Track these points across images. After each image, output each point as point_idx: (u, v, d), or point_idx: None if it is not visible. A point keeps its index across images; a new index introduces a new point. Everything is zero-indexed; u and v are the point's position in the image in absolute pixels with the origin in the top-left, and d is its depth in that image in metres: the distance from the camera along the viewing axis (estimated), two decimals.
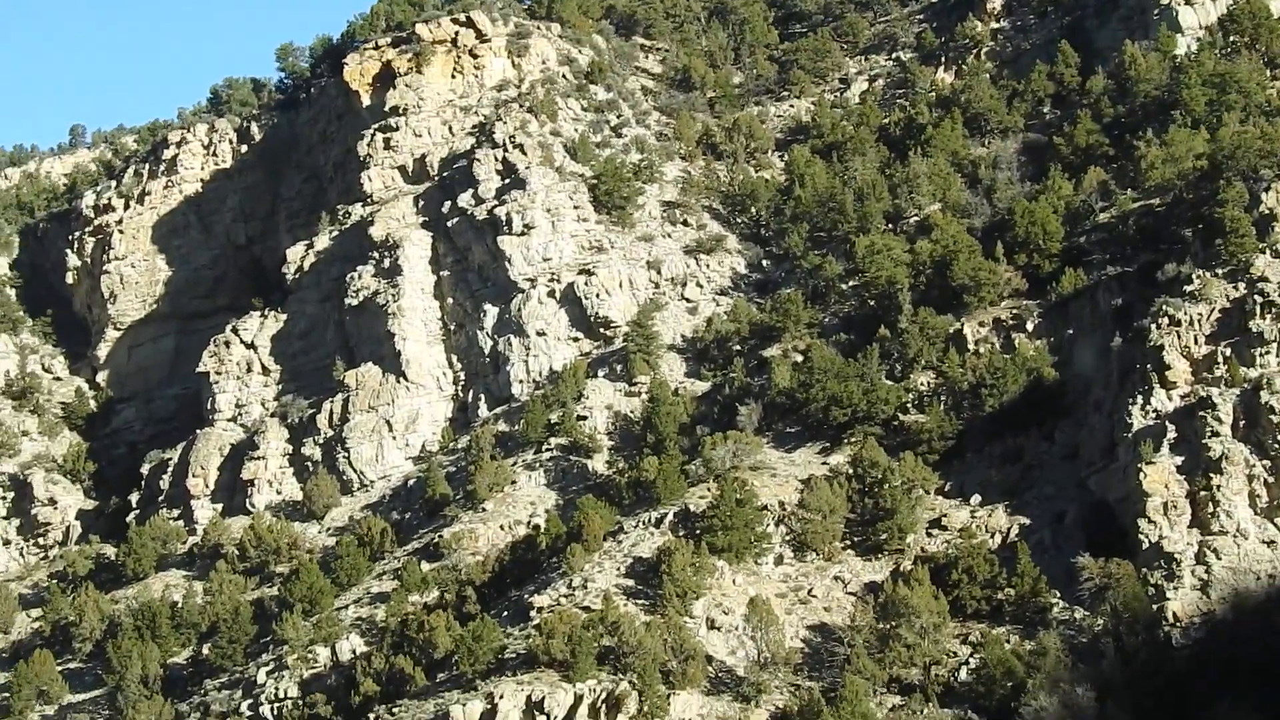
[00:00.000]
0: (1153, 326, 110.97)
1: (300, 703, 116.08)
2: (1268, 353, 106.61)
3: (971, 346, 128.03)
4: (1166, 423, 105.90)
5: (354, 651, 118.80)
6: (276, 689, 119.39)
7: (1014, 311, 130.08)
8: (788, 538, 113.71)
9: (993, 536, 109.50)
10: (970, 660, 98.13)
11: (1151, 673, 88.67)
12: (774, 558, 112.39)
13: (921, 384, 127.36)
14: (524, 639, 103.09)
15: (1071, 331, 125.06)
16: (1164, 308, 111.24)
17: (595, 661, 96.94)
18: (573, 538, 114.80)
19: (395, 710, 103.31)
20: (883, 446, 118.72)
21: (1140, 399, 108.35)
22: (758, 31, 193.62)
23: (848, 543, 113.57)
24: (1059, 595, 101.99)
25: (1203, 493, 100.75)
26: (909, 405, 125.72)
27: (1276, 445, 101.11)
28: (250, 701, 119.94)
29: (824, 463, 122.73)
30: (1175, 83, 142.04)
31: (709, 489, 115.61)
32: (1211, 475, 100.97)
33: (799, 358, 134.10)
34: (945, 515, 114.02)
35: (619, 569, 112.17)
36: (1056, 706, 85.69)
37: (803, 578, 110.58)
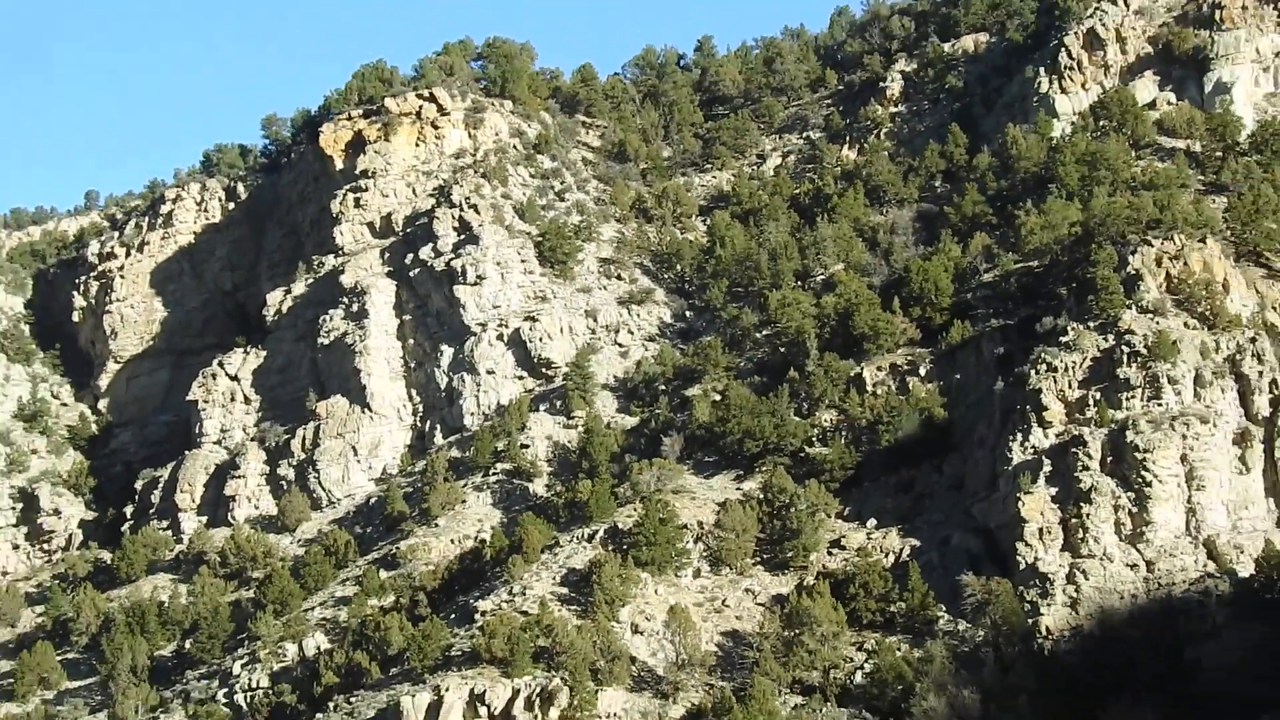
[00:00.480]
0: (1032, 372, 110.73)
1: (269, 692, 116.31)
2: (1133, 397, 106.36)
3: (870, 388, 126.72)
4: (1043, 458, 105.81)
5: (318, 648, 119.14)
6: (249, 680, 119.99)
7: (908, 358, 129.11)
8: (705, 554, 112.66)
9: (887, 556, 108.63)
10: (865, 665, 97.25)
11: (1027, 679, 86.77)
12: (692, 571, 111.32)
13: (825, 421, 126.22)
14: (469, 639, 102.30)
15: (959, 376, 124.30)
16: (1042, 355, 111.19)
17: (531, 660, 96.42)
18: (514, 550, 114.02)
19: (352, 700, 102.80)
20: (790, 475, 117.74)
21: (1020, 436, 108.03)
22: (685, 112, 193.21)
23: (757, 559, 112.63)
24: (945, 609, 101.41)
25: (1074, 520, 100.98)
26: (814, 439, 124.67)
27: (1139, 479, 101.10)
28: (226, 690, 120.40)
29: (738, 488, 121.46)
30: (1051, 160, 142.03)
31: (635, 509, 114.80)
32: (1082, 505, 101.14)
33: (717, 396, 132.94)
34: (844, 537, 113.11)
35: (554, 578, 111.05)
36: (944, 708, 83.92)
37: (717, 589, 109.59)
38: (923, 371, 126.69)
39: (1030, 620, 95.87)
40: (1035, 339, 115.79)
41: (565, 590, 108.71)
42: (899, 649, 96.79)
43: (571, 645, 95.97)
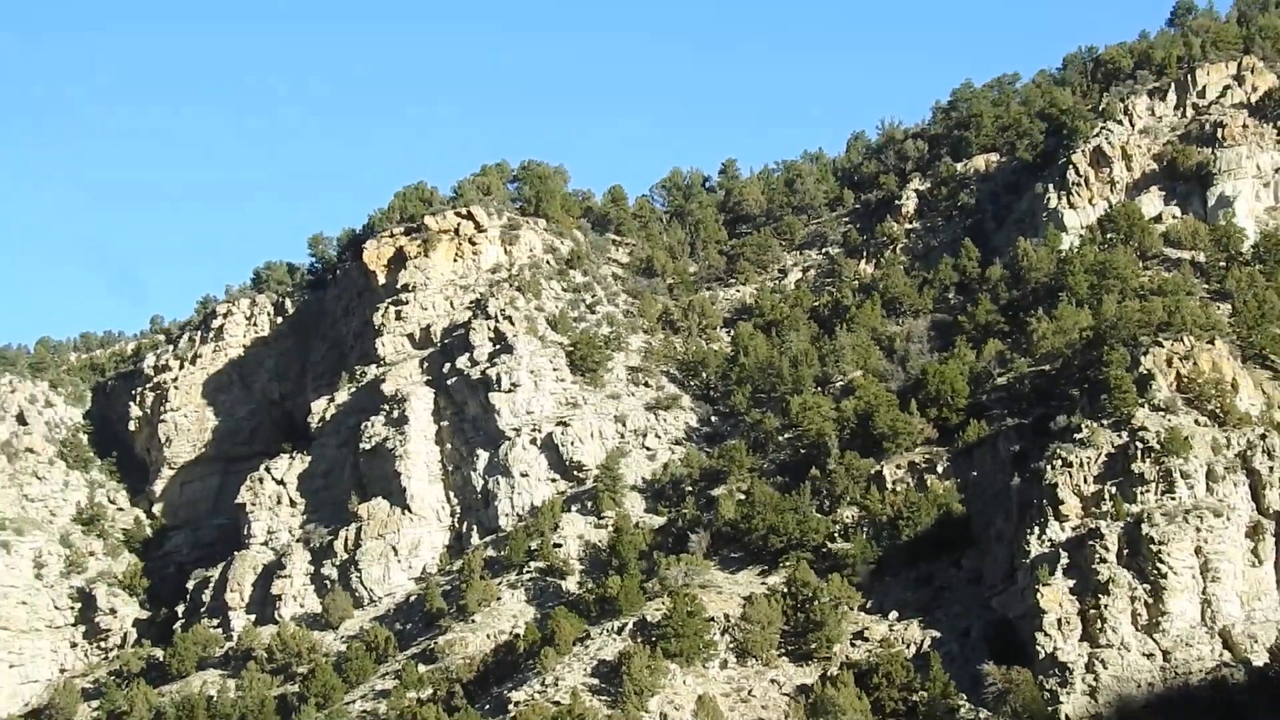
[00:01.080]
0: (1048, 468, 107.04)
1: None
2: (1147, 491, 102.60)
3: (890, 485, 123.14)
4: (1060, 550, 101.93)
5: None
6: None
7: (926, 457, 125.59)
8: (731, 645, 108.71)
9: (908, 647, 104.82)
10: None
11: None
12: (719, 662, 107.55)
13: (847, 517, 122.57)
14: None
15: (975, 473, 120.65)
16: (1058, 451, 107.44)
17: None
18: (546, 642, 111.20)
19: None
20: (813, 569, 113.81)
21: (1037, 530, 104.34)
22: (710, 230, 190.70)
23: (782, 651, 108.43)
24: (965, 698, 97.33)
25: (1091, 611, 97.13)
26: (836, 535, 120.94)
27: (1155, 571, 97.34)
28: None
29: (763, 583, 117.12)
30: (1061, 270, 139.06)
31: (663, 603, 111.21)
32: (1099, 596, 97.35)
33: (742, 495, 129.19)
34: (867, 628, 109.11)
35: (585, 670, 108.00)
36: None
37: (743, 680, 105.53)
38: (940, 469, 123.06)
39: (1050, 709, 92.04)
40: (1050, 437, 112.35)
41: (596, 681, 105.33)
42: None
43: None
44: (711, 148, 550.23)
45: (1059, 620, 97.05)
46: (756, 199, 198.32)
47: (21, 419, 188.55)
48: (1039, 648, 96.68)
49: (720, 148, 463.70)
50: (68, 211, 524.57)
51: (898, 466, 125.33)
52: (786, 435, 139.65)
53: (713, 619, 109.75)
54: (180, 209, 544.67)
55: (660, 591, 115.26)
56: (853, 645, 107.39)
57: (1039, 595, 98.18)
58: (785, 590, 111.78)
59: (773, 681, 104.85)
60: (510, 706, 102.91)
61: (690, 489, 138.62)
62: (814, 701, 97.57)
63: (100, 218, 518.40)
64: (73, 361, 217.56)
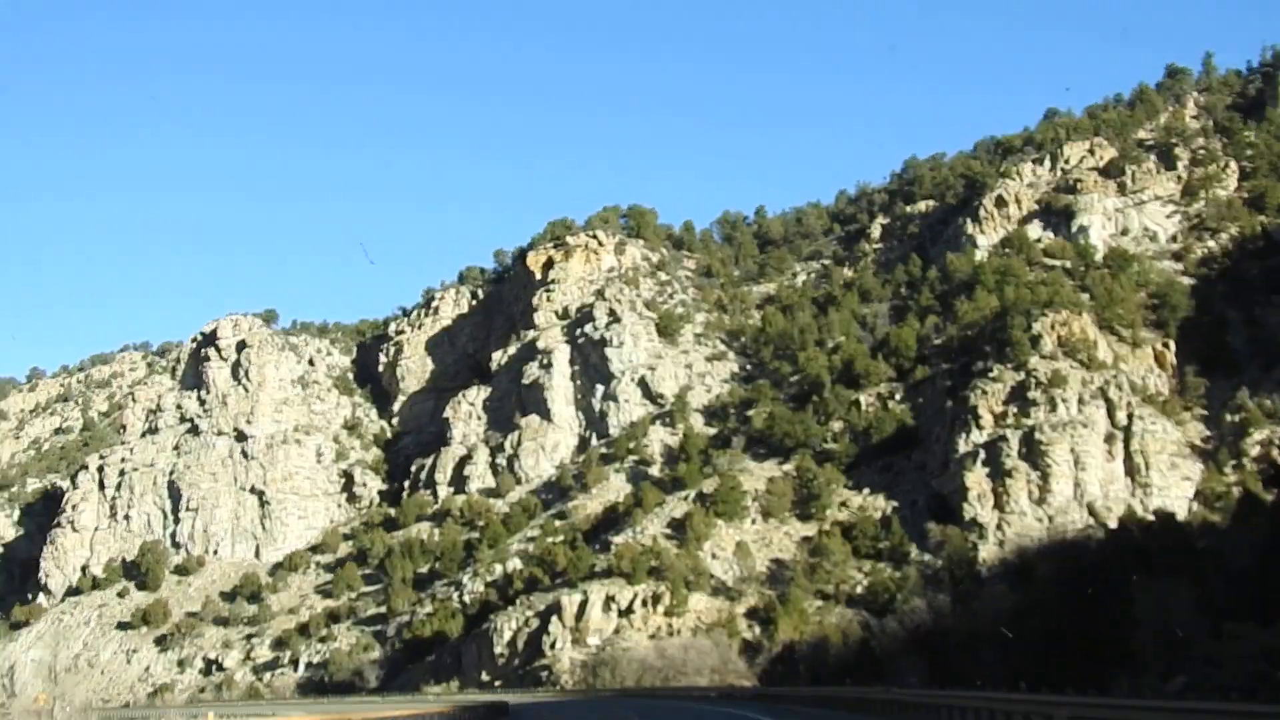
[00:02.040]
0: (971, 394, 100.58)
1: (480, 595, 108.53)
2: (1038, 410, 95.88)
3: (865, 408, 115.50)
4: (979, 449, 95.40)
5: (514, 567, 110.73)
6: (471, 586, 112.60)
7: (889, 390, 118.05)
8: (759, 509, 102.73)
9: (876, 513, 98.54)
10: (864, 581, 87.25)
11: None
12: (750, 520, 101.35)
13: (836, 427, 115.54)
14: (606, 561, 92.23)
15: (921, 400, 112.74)
16: (977, 385, 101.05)
17: (646, 574, 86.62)
18: (637, 505, 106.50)
19: (530, 598, 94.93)
20: (814, 460, 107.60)
21: (964, 435, 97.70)
22: (747, 248, 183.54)
23: (792, 513, 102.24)
24: (915, 546, 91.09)
25: (1000, 489, 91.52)
26: (828, 439, 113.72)
27: (1043, 463, 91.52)
28: (457, 593, 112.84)
29: (781, 470, 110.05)
30: (976, 272, 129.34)
31: (714, 481, 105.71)
32: (1006, 479, 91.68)
33: (767, 414, 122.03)
34: (848, 500, 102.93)
35: (662, 523, 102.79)
36: (925, 607, 72.25)
37: (767, 532, 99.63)
38: (898, 397, 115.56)
39: (971, 554, 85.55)
40: (971, 376, 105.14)
41: (669, 531, 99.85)
42: (885, 571, 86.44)
43: (672, 565, 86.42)
44: (749, 195, 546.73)
45: (978, 495, 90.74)
46: (778, 229, 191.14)
47: (311, 362, 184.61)
48: (965, 514, 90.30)
49: (754, 196, 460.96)
50: (349, 218, 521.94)
51: (869, 395, 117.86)
52: (795, 378, 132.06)
53: (747, 491, 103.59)
54: (411, 221, 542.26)
55: (712, 473, 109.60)
56: (839, 510, 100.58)
57: (965, 478, 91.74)
58: (795, 473, 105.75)
59: (785, 534, 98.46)
60: (612, 546, 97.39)
61: (733, 411, 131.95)
62: (814, 546, 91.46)
63: (367, 224, 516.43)
64: (346, 326, 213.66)
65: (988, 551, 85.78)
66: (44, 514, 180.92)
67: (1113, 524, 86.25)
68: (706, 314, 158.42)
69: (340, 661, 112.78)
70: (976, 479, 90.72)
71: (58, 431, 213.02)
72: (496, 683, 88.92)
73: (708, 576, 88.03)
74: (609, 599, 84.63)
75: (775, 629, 78.62)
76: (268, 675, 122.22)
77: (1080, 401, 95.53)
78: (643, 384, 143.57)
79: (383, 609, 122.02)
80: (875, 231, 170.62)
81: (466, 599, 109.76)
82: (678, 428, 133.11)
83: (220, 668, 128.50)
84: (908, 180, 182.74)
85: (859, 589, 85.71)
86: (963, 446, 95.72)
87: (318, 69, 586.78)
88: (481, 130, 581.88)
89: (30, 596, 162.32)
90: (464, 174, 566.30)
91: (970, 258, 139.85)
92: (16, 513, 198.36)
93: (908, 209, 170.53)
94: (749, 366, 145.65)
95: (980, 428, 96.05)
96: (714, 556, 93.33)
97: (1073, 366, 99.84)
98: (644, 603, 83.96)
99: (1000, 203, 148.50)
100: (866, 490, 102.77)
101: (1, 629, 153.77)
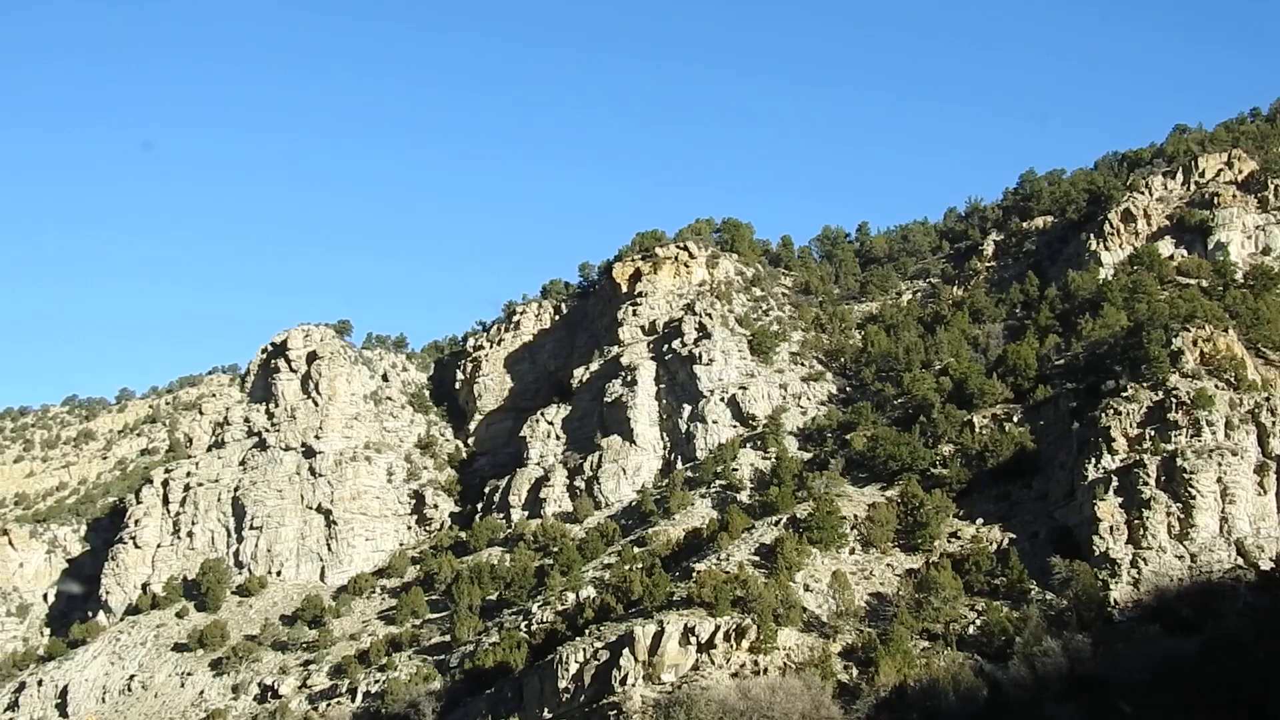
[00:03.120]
0: (1102, 415, 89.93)
1: (549, 623, 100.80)
2: (1179, 435, 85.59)
3: (978, 430, 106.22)
4: (1112, 475, 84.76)
5: (587, 596, 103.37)
6: (540, 616, 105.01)
7: (1005, 410, 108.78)
8: (858, 538, 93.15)
9: (991, 544, 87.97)
10: (976, 621, 77.69)
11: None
12: (848, 549, 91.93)
13: (945, 452, 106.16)
14: (686, 589, 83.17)
15: (1042, 423, 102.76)
16: (1110, 404, 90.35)
17: (730, 605, 77.57)
18: (722, 529, 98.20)
19: (601, 628, 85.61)
20: (920, 486, 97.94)
21: (1094, 460, 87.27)
22: (848, 265, 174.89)
23: (895, 543, 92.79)
24: (1035, 584, 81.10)
25: (1135, 521, 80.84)
26: (936, 463, 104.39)
27: (1185, 494, 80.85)
28: (525, 622, 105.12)
29: (882, 495, 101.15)
30: (1101, 289, 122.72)
31: (809, 504, 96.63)
32: (1142, 510, 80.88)
33: (868, 436, 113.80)
34: (959, 530, 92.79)
35: (750, 550, 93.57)
36: (1059, 648, 63.07)
37: (866, 563, 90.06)
38: (1015, 419, 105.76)
39: (1102, 594, 75.95)
40: (1100, 396, 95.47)
41: (757, 559, 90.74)
42: (1001, 610, 76.69)
43: (760, 596, 77.76)
44: (850, 213, 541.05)
45: (1110, 527, 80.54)
46: (882, 246, 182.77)
47: (385, 378, 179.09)
48: (1094, 548, 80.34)
49: (855, 214, 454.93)
50: (431, 228, 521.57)
51: (983, 416, 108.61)
52: (899, 400, 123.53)
53: (845, 518, 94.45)
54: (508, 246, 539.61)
55: (806, 497, 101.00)
56: (948, 542, 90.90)
57: (1096, 508, 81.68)
58: (899, 500, 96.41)
59: (888, 565, 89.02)
60: (693, 574, 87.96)
61: (830, 434, 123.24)
62: (920, 580, 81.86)
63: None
64: (426, 344, 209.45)
65: (1121, 591, 76.12)
66: (110, 530, 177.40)
67: (1266, 565, 77.02)
68: (803, 332, 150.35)
69: (397, 692, 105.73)
70: (1109, 509, 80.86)
71: (143, 453, 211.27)
72: None
73: (799, 610, 79.00)
74: (688, 631, 75.80)
75: (876, 671, 69.75)
76: (323, 705, 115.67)
77: (1228, 426, 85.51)
78: (733, 404, 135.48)
79: (446, 637, 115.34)
80: (988, 249, 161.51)
81: (533, 628, 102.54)
82: (769, 451, 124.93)
83: (276, 695, 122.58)
84: (1024, 196, 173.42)
85: (971, 629, 76.61)
86: (1092, 473, 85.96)
87: (403, 72, 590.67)
88: (572, 142, 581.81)
89: (90, 614, 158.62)
90: (552, 187, 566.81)
91: (1094, 275, 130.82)
92: (84, 528, 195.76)
93: (1024, 225, 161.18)
94: (848, 388, 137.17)
95: (1113, 452, 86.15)
96: (807, 588, 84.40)
97: (1219, 386, 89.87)
98: (727, 636, 75.05)
99: (1128, 217, 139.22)
100: (980, 520, 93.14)
101: (59, 648, 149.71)
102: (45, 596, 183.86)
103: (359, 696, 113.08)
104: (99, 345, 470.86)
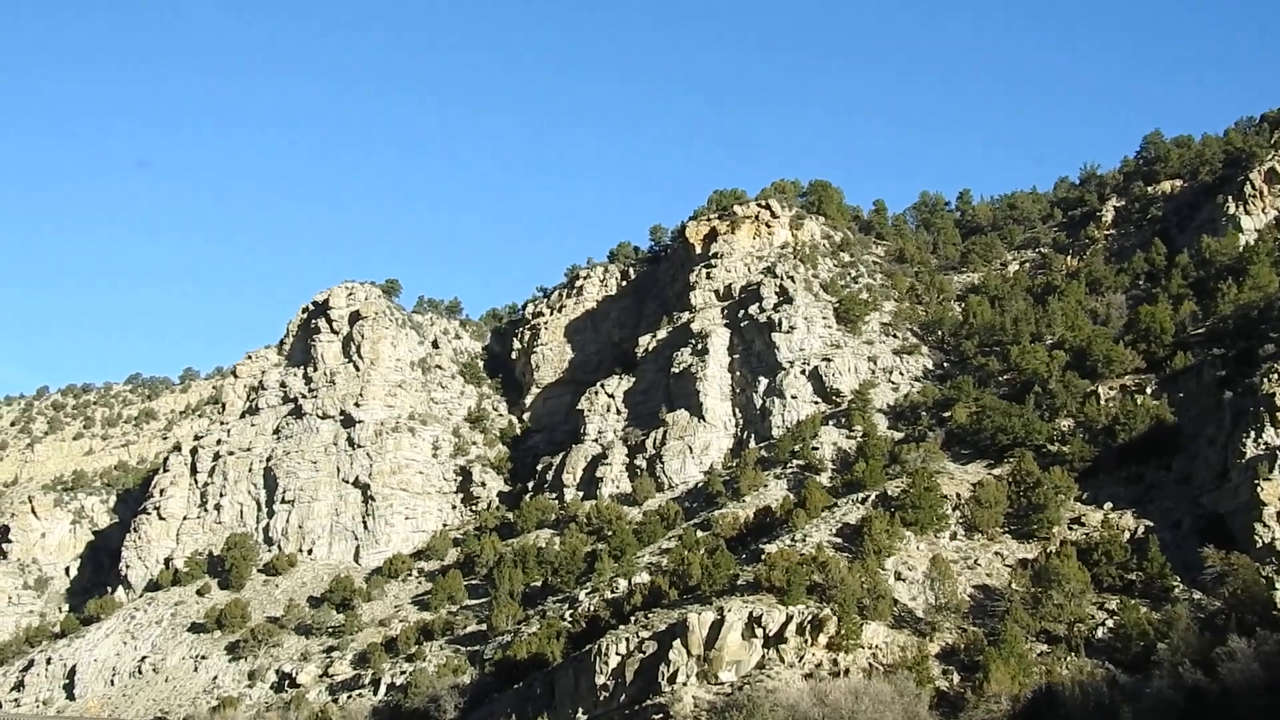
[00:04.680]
0: (1264, 380, 75.61)
1: (589, 611, 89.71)
2: None
3: (1104, 402, 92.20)
4: (1277, 453, 70.76)
5: (637, 584, 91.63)
6: (588, 604, 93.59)
7: (1136, 381, 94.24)
8: (960, 521, 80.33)
9: (1123, 534, 73.66)
10: (1108, 622, 64.10)
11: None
12: (949, 534, 78.90)
13: (1064, 426, 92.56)
14: (752, 572, 70.90)
15: (1182, 394, 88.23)
16: (1274, 367, 76.03)
17: (805, 592, 65.43)
18: (799, 506, 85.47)
19: (649, 615, 73.02)
20: (1035, 464, 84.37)
21: (1253, 434, 72.99)
22: (948, 234, 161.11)
23: (1006, 529, 79.39)
24: (1179, 579, 67.53)
25: None
26: (1054, 439, 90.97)
27: None
28: (570, 611, 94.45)
29: (990, 473, 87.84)
30: (1245, 254, 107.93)
31: (903, 480, 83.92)
32: None
33: (973, 407, 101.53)
34: (1083, 515, 78.85)
35: (831, 530, 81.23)
36: (1251, 653, 49.85)
37: (970, 550, 76.77)
38: (1149, 391, 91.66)
39: (1267, 593, 61.69)
40: (1255, 362, 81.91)
41: (839, 540, 78.57)
42: (1139, 609, 63.39)
43: (842, 582, 65.54)
44: (952, 179, 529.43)
45: (1276, 513, 66.83)
46: (985, 214, 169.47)
47: (435, 344, 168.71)
48: (1257, 538, 66.56)
49: (958, 180, 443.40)
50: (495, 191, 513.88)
51: (1110, 387, 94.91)
52: (1005, 376, 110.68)
53: (945, 497, 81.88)
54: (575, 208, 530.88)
55: (900, 473, 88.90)
56: (1070, 529, 77.50)
57: (1259, 490, 67.97)
58: (1010, 479, 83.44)
59: (997, 553, 76.02)
60: (763, 556, 75.44)
61: (925, 412, 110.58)
62: (1039, 571, 68.74)
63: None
64: (484, 313, 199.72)
65: None
66: (140, 501, 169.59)
67: None
68: (896, 302, 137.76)
69: (421, 685, 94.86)
70: (1274, 491, 67.60)
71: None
72: None
73: (889, 602, 66.52)
74: (753, 620, 63.49)
75: (985, 678, 57.33)
76: (343, 697, 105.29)
77: None
78: (815, 377, 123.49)
79: (483, 626, 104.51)
80: (1108, 215, 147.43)
81: (573, 617, 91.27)
82: (855, 430, 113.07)
83: (294, 683, 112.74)
84: (1148, 159, 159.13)
85: (1100, 631, 63.84)
86: (1251, 449, 72.46)
87: (466, 38, 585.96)
88: (653, 110, 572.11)
89: (109, 589, 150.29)
90: (630, 153, 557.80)
91: (1234, 240, 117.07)
92: (113, 499, 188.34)
93: (1149, 189, 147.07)
94: (946, 364, 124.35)
95: (1276, 424, 72.75)
96: (899, 577, 72.03)
97: None
98: (800, 629, 62.66)
99: (1273, 177, 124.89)
100: (1108, 504, 79.81)
101: (72, 624, 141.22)
102: (68, 570, 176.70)
103: (382, 689, 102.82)
104: (162, 328, 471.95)
